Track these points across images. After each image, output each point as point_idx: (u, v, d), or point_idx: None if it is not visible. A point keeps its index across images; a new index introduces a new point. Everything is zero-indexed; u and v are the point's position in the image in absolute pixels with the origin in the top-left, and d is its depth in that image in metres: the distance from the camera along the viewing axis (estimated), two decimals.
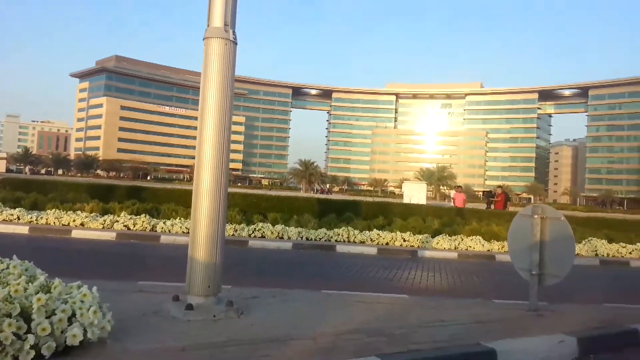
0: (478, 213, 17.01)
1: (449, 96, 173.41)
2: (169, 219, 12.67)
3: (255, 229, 12.25)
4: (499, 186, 23.40)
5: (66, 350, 3.06)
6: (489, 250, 12.29)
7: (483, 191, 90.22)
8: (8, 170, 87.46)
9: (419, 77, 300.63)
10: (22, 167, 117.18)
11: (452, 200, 23.49)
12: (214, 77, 4.49)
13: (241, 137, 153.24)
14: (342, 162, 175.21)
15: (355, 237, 12.26)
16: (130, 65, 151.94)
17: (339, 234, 12.32)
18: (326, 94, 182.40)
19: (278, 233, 12.22)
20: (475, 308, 5.49)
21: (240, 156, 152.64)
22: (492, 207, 20.50)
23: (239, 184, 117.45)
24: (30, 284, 3.29)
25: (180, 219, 12.68)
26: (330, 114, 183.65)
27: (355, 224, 13.72)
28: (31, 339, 2.89)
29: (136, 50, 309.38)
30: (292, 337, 3.81)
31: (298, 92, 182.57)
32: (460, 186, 23.75)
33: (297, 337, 3.82)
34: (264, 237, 12.05)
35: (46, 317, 3.06)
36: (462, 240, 12.67)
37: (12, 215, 11.89)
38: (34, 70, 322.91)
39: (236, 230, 12.06)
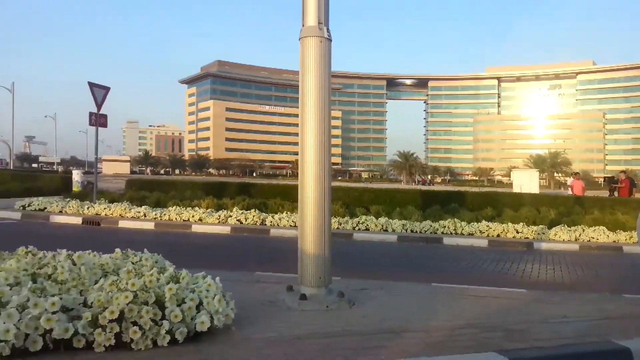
0: (600, 201, 15.62)
1: (557, 76, 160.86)
2: (277, 213, 13.19)
3: (359, 222, 12.33)
4: (623, 171, 21.33)
5: (196, 335, 3.32)
6: (614, 242, 11.25)
7: (604, 177, 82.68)
8: (132, 172, 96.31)
9: (522, 59, 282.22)
10: (143, 168, 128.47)
11: (569, 188, 21.82)
12: (311, 76, 4.57)
13: (339, 132, 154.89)
14: (442, 152, 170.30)
15: (462, 229, 11.86)
16: (232, 69, 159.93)
17: (445, 226, 12.00)
18: (422, 83, 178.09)
19: (382, 226, 12.19)
20: (602, 303, 5.06)
21: (339, 150, 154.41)
22: (616, 194, 18.74)
23: (339, 178, 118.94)
24: (161, 274, 3.60)
25: (286, 212, 13.14)
26: (427, 103, 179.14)
27: (461, 216, 13.28)
28: (166, 324, 3.17)
29: (236, 53, 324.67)
30: (405, 329, 3.78)
31: (392, 83, 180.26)
32: (578, 173, 22.04)
33: (410, 329, 3.79)
34: (368, 229, 12.09)
35: (177, 305, 3.34)
36: (584, 231, 11.73)
37: (139, 212, 13.10)
38: (149, 79, 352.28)
39: (340, 224, 12.23)
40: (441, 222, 12.24)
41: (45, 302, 2.97)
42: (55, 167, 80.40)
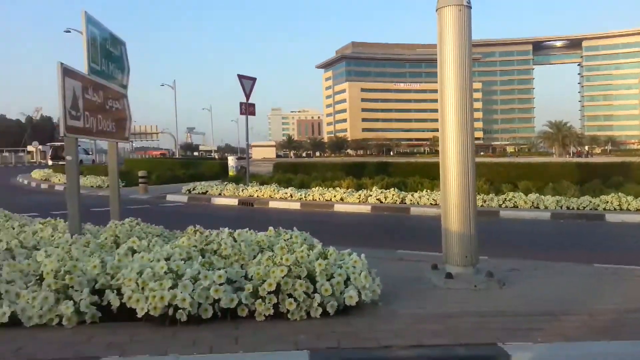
0: None
1: None
2: (416, 192, 13.03)
3: (505, 199, 11.65)
4: None
5: (345, 309, 3.46)
6: None
7: None
8: (277, 156, 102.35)
9: None
10: (287, 152, 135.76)
11: None
12: (450, 47, 4.38)
13: (479, 104, 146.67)
14: (601, 120, 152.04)
15: (629, 205, 10.56)
16: (366, 49, 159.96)
17: (607, 202, 10.79)
18: (574, 44, 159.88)
19: (532, 202, 11.37)
20: None
21: (480, 124, 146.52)
22: None
23: (482, 153, 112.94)
24: (310, 251, 3.81)
25: (426, 191, 12.92)
26: (581, 66, 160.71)
27: (627, 190, 11.80)
28: (318, 298, 3.36)
29: (370, 33, 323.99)
30: (565, 312, 3.52)
31: (539, 47, 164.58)
32: None
33: (569, 312, 3.52)
34: (516, 207, 11.37)
35: (327, 280, 3.51)
36: None
37: (286, 193, 13.93)
38: (290, 67, 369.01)
39: (485, 201, 11.68)
40: (602, 197, 11.02)
41: (213, 274, 3.33)
42: (212, 154, 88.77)
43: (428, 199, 12.15)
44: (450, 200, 4.44)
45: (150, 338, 2.90)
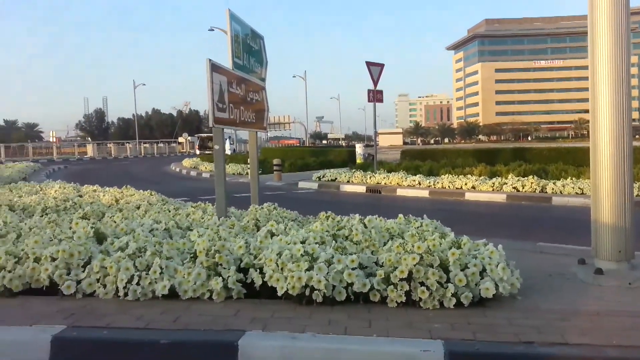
0: None
1: None
2: (559, 180, 12.02)
3: None
4: None
5: (480, 301, 3.34)
6: None
7: None
8: (404, 143, 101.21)
9: None
10: (414, 139, 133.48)
11: None
12: (603, 15, 3.92)
13: (635, 81, 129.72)
14: None
15: None
16: (501, 26, 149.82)
17: None
18: None
19: None
20: None
21: (636, 103, 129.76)
22: None
23: (637, 137, 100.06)
24: (443, 239, 3.72)
25: (571, 179, 11.86)
26: None
27: None
28: (451, 287, 3.29)
29: (504, 9, 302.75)
30: None
31: None
32: None
33: None
34: None
35: (460, 270, 3.41)
36: None
37: (414, 181, 13.74)
38: (417, 51, 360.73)
39: None
40: None
41: (346, 259, 3.43)
42: (340, 142, 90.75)
43: (573, 188, 11.13)
44: (602, 188, 4.02)
45: (289, 315, 3.09)
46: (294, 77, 64.38)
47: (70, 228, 4.58)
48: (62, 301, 3.44)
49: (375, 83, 15.98)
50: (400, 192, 13.24)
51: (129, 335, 2.79)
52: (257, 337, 2.73)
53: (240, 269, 3.62)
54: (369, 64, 15.91)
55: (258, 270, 3.56)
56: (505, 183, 12.18)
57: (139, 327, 2.90)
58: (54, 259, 3.67)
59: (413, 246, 3.51)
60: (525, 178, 12.21)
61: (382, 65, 16.21)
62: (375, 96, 16.13)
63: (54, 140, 61.12)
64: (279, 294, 3.32)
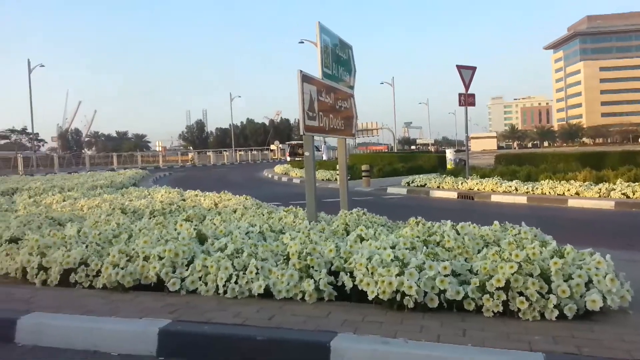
0: None
1: None
2: None
3: None
4: None
5: (585, 314, 3.11)
6: None
7: None
8: (499, 147, 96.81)
9: None
10: (510, 143, 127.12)
11: None
12: None
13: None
14: None
15: None
16: (604, 22, 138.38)
17: None
18: None
19: None
20: None
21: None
22: None
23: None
24: (543, 248, 3.52)
25: None
26: None
27: None
28: (553, 299, 3.10)
29: (606, 3, 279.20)
30: None
31: None
32: None
33: None
34: None
35: (564, 281, 3.20)
36: None
37: (510, 187, 13.10)
38: (511, 52, 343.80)
39: None
40: None
41: (438, 265, 3.36)
42: (429, 147, 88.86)
43: None
44: None
45: (379, 320, 3.09)
46: (381, 83, 63.88)
47: (175, 229, 4.92)
48: (168, 297, 3.71)
49: (467, 86, 15.48)
50: (494, 198, 12.68)
51: (227, 331, 2.94)
52: (349, 339, 2.76)
53: (331, 272, 3.68)
54: (459, 67, 15.45)
55: (348, 273, 3.59)
56: (614, 189, 11.23)
57: (236, 323, 3.05)
58: (161, 258, 3.97)
59: (510, 254, 3.36)
60: (636, 183, 11.18)
61: (473, 68, 15.67)
62: (467, 100, 15.61)
63: (160, 149, 66.00)
64: (370, 298, 3.33)
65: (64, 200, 9.72)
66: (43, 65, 43.01)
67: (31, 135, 53.34)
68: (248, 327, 2.97)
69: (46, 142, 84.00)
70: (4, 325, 3.18)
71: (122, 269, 3.98)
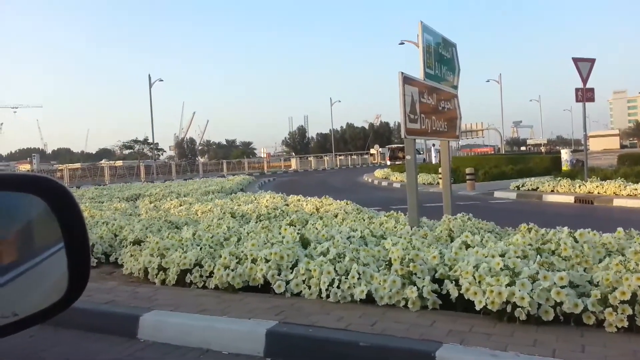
0: None
1: None
2: None
3: None
4: None
5: None
6: None
7: None
8: (621, 146, 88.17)
9: None
10: (634, 141, 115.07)
11: None
12: None
13: None
14: None
15: None
16: None
17: None
18: None
19: None
20: None
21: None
22: None
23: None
24: None
25: None
26: None
27: None
28: None
29: None
30: None
31: None
32: None
33: None
34: None
35: None
36: None
37: (636, 190, 11.84)
38: (634, 40, 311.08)
39: None
40: None
41: (554, 275, 3.12)
42: (540, 148, 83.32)
43: None
44: None
45: (488, 332, 2.94)
46: (487, 81, 61.03)
47: (280, 233, 5.10)
48: (274, 299, 3.84)
49: (585, 80, 14.27)
50: (617, 202, 11.54)
51: (331, 335, 2.98)
52: (455, 350, 2.67)
53: (435, 279, 3.58)
54: (576, 60, 14.30)
55: (453, 282, 3.47)
56: None
57: (339, 327, 3.08)
58: (267, 260, 4.13)
59: (637, 264, 3.04)
60: None
61: (592, 61, 14.42)
62: (585, 95, 14.40)
63: (265, 155, 68.98)
64: (477, 308, 3.18)
65: (180, 205, 10.50)
66: (162, 80, 46.91)
67: (152, 145, 58.36)
68: (351, 332, 2.99)
69: (165, 151, 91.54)
70: (129, 321, 3.50)
71: (233, 270, 4.20)
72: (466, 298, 3.29)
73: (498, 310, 3.10)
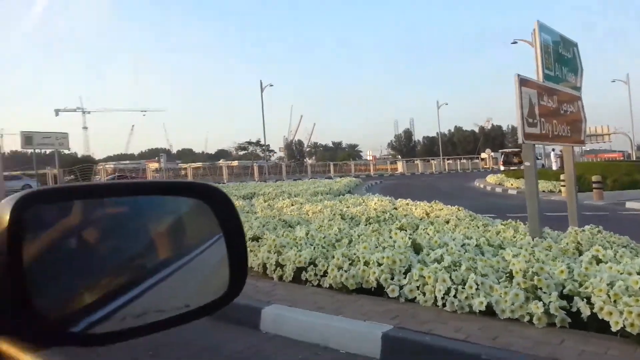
0: None
1: None
2: None
3: None
4: None
5: None
6: None
7: None
8: None
9: None
10: None
11: None
12: None
13: None
14: None
15: None
16: None
17: None
18: None
19: None
20: None
21: None
22: None
23: None
24: None
25: None
26: None
27: None
28: None
29: None
30: None
31: None
32: None
33: None
34: None
35: None
36: None
37: None
38: None
39: None
40: None
41: None
42: None
43: None
44: None
45: (627, 356, 2.69)
46: (613, 81, 55.55)
47: (391, 237, 5.09)
48: (387, 302, 3.85)
49: None
50: None
51: (450, 345, 2.92)
52: None
53: (563, 295, 3.34)
54: None
55: (585, 299, 3.21)
56: None
57: (458, 338, 3.00)
58: (379, 264, 4.15)
59: None
60: None
61: None
62: None
63: (371, 158, 69.08)
64: (613, 329, 2.92)
65: (292, 205, 10.89)
66: (272, 85, 49.01)
67: (264, 147, 61.19)
68: (471, 344, 2.90)
69: (275, 152, 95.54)
70: (252, 313, 3.71)
71: (346, 271, 4.27)
72: (600, 318, 3.04)
73: (638, 333, 2.82)
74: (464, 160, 68.78)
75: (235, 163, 60.95)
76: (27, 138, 29.78)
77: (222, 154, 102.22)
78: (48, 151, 34.58)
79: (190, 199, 0.83)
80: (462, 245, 4.64)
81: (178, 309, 0.77)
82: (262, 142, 57.82)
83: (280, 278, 4.77)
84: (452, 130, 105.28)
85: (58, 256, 0.63)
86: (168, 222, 0.84)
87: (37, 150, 32.28)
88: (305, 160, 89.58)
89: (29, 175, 36.37)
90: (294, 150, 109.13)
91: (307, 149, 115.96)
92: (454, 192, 23.06)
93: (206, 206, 0.82)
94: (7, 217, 0.54)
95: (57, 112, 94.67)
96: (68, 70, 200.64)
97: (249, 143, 78.24)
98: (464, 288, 3.60)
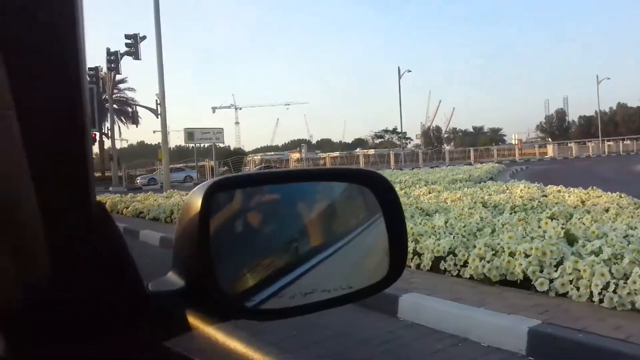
0: None
1: None
2: None
3: None
4: None
5: None
6: None
7: None
8: None
9: None
10: None
11: None
12: None
13: None
14: None
15: None
16: None
17: None
18: None
19: None
20: None
21: None
22: None
23: None
24: None
25: None
26: None
27: None
28: None
29: None
30: None
31: None
32: None
33: None
34: None
35: None
36: None
37: None
38: None
39: None
40: None
41: None
42: None
43: None
44: None
45: None
46: None
47: (540, 227, 4.75)
48: (535, 296, 3.61)
49: None
50: None
51: (607, 344, 2.66)
52: None
53: None
54: None
55: None
56: None
57: (617, 337, 2.72)
58: (527, 255, 3.90)
59: None
60: None
61: None
62: None
63: (516, 142, 64.56)
64: None
65: (429, 193, 10.68)
66: (410, 71, 48.27)
67: (400, 134, 60.59)
68: (633, 345, 2.61)
69: (412, 140, 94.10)
70: (390, 300, 3.75)
71: (488, 262, 4.10)
72: None
73: None
74: (628, 142, 61.00)
75: (371, 152, 61.44)
76: (189, 134, 33.27)
77: (359, 143, 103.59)
78: (206, 145, 38.26)
79: (354, 184, 0.88)
80: (624, 237, 4.17)
81: (342, 289, 0.81)
82: (399, 130, 57.36)
83: (418, 267, 4.73)
84: (614, 107, 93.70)
85: (230, 238, 0.73)
86: (324, 207, 0.88)
87: (196, 145, 35.96)
88: (443, 146, 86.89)
89: (190, 167, 40.71)
90: (432, 136, 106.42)
91: (445, 135, 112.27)
92: (616, 177, 20.58)
93: (369, 192, 0.85)
94: (199, 202, 0.64)
95: (214, 109, 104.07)
96: (222, 72, 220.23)
97: (386, 131, 78.09)
98: (625, 283, 3.23)
